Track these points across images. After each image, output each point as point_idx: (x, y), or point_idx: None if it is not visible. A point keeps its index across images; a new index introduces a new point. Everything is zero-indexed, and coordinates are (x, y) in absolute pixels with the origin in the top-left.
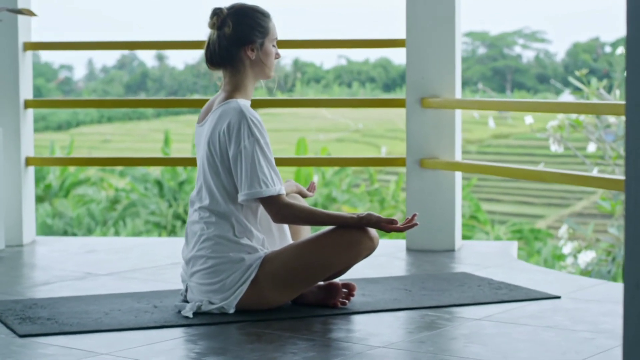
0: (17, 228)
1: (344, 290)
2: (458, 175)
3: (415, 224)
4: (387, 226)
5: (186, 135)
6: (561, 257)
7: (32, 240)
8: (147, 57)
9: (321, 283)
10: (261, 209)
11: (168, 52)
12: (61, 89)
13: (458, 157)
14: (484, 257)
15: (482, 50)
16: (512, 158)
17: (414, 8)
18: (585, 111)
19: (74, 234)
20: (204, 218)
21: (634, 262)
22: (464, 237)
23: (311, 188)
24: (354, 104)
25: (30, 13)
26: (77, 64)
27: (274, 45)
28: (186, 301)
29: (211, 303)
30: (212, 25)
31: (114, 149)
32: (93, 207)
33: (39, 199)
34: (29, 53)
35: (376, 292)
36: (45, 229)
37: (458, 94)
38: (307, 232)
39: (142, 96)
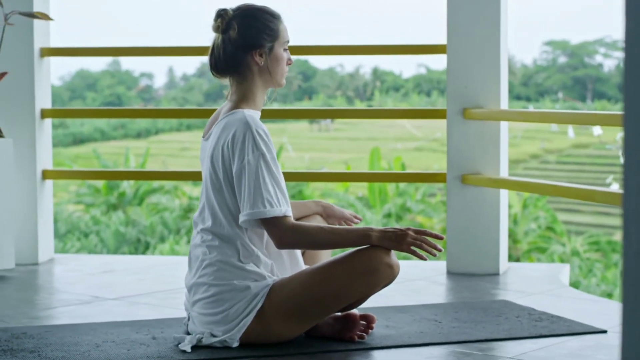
0: (32, 245)
1: (362, 322)
2: (504, 192)
3: (441, 236)
4: (415, 236)
5: None
6: None
7: (50, 259)
8: None
9: (338, 313)
10: None
11: None
12: (141, 97)
13: (504, 172)
14: (531, 282)
15: (562, 59)
16: (590, 168)
17: (456, 11)
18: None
19: (147, 242)
20: (206, 241)
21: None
22: (539, 249)
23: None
24: (393, 114)
25: (45, 17)
26: (158, 71)
27: (285, 50)
28: (188, 332)
29: (213, 335)
30: (216, 29)
31: (192, 157)
32: (166, 215)
33: (113, 207)
34: (47, 59)
35: (402, 323)
36: (118, 237)
37: (504, 105)
38: (326, 255)
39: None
